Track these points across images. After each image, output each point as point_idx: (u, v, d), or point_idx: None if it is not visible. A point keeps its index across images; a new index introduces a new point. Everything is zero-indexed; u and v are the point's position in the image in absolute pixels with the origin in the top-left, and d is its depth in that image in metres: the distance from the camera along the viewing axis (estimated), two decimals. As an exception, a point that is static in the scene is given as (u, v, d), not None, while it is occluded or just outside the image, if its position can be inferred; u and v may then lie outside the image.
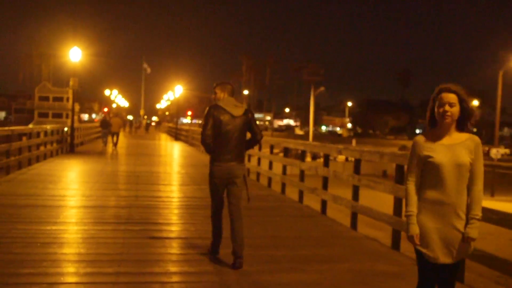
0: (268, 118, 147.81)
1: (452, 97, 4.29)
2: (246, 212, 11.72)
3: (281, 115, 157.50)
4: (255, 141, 7.56)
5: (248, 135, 7.52)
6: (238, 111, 7.28)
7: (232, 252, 7.21)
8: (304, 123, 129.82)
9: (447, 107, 4.28)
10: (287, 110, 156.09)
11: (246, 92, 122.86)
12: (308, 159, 48.42)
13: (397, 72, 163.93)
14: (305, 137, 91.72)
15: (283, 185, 15.34)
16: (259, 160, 18.42)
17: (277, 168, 18.72)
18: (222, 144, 7.20)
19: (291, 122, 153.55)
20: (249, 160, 19.98)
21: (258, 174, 18.21)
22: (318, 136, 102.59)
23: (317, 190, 12.56)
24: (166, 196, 13.87)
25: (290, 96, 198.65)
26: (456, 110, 4.29)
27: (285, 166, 15.59)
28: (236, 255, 7.15)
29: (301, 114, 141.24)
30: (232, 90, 7.45)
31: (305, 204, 13.47)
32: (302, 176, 13.98)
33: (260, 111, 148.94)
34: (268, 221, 10.79)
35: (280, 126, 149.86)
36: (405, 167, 8.36)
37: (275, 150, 24.76)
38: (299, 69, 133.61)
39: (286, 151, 15.98)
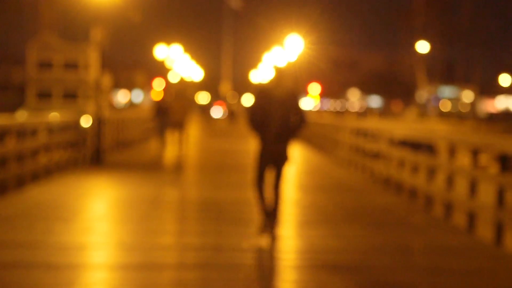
0: (468, 97, 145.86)
1: None
2: (424, 277, 11.70)
3: (493, 91, 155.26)
4: (298, 124, 13.85)
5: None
6: (282, 93, 13.67)
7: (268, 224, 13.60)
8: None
9: None
10: (505, 81, 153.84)
11: (423, 47, 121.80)
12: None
13: None
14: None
15: (499, 228, 15.14)
16: (449, 178, 18.13)
17: (486, 193, 18.47)
18: (266, 126, 13.61)
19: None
20: (431, 177, 19.81)
21: (447, 206, 17.93)
22: None
23: None
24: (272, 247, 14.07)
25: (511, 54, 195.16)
26: None
27: (503, 190, 15.39)
28: (269, 228, 13.66)
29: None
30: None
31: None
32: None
33: (450, 82, 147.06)
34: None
35: (491, 112, 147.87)
36: None
37: (481, 160, 24.43)
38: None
39: (505, 162, 15.75)
